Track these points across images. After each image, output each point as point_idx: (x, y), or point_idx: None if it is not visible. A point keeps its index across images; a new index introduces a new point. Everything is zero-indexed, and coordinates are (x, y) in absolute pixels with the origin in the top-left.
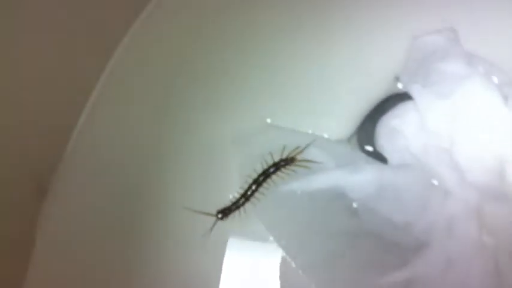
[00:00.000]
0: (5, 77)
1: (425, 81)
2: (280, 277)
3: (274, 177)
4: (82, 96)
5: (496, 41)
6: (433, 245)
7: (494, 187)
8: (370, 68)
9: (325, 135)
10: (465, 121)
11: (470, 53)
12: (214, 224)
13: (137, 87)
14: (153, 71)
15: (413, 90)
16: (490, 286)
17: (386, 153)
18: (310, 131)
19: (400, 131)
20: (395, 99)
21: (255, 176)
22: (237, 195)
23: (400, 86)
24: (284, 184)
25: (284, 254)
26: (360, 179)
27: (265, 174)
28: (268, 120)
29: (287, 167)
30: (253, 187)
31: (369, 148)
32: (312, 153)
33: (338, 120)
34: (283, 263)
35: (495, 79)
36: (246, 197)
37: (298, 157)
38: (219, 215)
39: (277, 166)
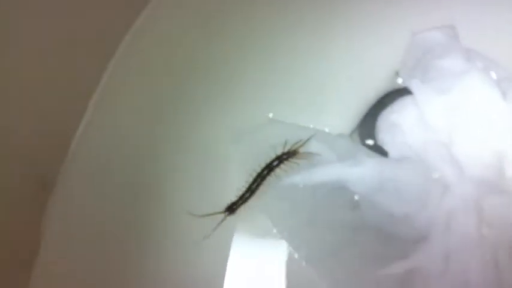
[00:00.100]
0: (6, 78)
1: (425, 76)
2: (287, 275)
3: (277, 170)
4: (84, 97)
5: (494, 36)
6: (432, 237)
7: (493, 181)
8: (371, 63)
9: (327, 130)
10: (464, 116)
11: (468, 49)
12: (223, 220)
13: (138, 87)
14: (153, 70)
15: (413, 86)
16: (489, 278)
17: (387, 147)
18: (311, 126)
19: (399, 125)
20: (395, 94)
21: (258, 170)
22: (243, 190)
23: (399, 81)
24: (286, 177)
25: (290, 251)
26: (361, 172)
27: (269, 168)
28: (270, 115)
29: (289, 159)
30: (258, 180)
31: (370, 142)
32: (313, 147)
33: (339, 115)
34: (289, 260)
35: (493, 74)
36: (251, 190)
37: (300, 150)
38: (227, 212)
39: (280, 159)
